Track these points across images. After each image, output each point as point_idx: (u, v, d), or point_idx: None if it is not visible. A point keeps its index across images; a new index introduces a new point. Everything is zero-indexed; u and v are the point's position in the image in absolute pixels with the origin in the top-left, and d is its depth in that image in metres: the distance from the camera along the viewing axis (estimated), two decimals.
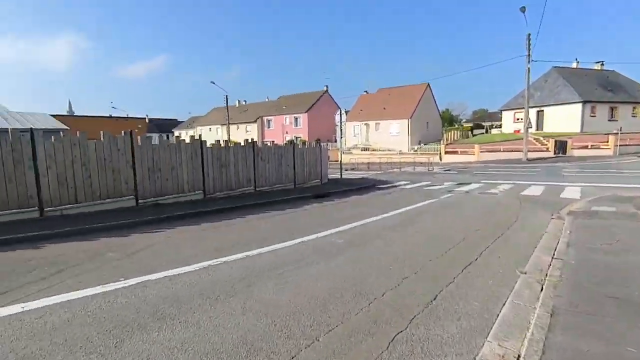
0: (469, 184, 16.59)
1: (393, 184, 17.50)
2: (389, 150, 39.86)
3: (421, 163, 27.53)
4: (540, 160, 27.67)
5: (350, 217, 8.84)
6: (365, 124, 45.79)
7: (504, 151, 30.92)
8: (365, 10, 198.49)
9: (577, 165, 23.82)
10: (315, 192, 13.61)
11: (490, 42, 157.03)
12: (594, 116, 36.52)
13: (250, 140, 12.93)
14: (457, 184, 16.57)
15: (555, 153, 29.69)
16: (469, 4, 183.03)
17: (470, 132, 48.60)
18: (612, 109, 37.75)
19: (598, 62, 43.18)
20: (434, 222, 8.33)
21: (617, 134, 29.22)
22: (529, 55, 27.30)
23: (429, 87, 45.52)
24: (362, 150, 41.77)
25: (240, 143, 12.76)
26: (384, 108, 44.97)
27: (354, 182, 18.09)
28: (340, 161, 16.04)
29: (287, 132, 51.23)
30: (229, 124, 48.51)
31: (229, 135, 44.77)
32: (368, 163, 29.96)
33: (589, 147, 30.05)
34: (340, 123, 15.66)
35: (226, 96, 46.97)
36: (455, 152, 32.80)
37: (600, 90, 38.56)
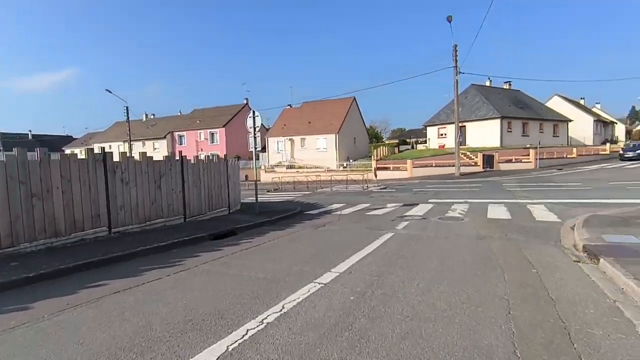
0: (417, 204, 13.48)
1: (325, 209, 13.66)
2: (316, 167, 36.56)
3: (354, 181, 24.48)
4: (472, 175, 26.55)
5: (255, 293, 4.58)
6: (290, 140, 42.16)
7: (435, 166, 29.54)
8: (289, 25, 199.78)
9: (512, 179, 22.73)
10: (215, 228, 9.07)
11: (416, 57, 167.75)
12: (511, 131, 37.78)
13: (100, 150, 7.93)
14: (404, 206, 13.34)
15: (483, 167, 29.11)
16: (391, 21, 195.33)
17: (396, 148, 47.93)
18: (524, 124, 39.63)
19: (507, 81, 45.89)
20: (420, 300, 4.41)
21: (536, 148, 29.67)
22: (456, 67, 26.35)
23: (355, 101, 43.83)
24: (287, 168, 37.85)
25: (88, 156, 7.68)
26: (310, 122, 41.96)
27: (276, 207, 13.86)
28: (256, 180, 11.75)
29: (201, 149, 45.19)
30: (130, 140, 41.01)
31: (131, 153, 37.46)
32: (294, 182, 26.08)
33: (513, 160, 30.11)
34: (254, 129, 11.44)
35: (126, 107, 39.74)
36: (387, 169, 30.62)
37: (513, 107, 40.40)
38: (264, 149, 45.39)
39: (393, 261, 5.81)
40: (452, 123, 37.52)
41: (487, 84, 43.75)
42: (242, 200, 15.02)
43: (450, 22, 24.63)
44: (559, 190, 15.83)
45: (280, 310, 3.99)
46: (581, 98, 57.60)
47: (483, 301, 4.13)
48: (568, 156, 33.27)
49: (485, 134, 37.04)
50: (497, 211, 11.16)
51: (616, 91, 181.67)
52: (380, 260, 5.94)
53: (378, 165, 30.21)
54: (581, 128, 48.89)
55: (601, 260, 5.66)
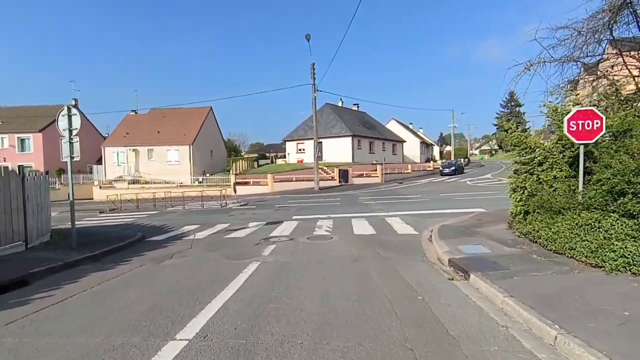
0: (281, 222, 12.50)
1: (175, 233, 11.30)
2: (166, 182, 32.24)
3: (211, 197, 22.10)
4: (331, 189, 27.59)
5: None
6: (134, 150, 36.28)
7: (296, 181, 29.66)
8: (142, 24, 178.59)
9: (365, 192, 24.38)
10: None
11: (279, 73, 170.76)
12: (360, 148, 41.57)
13: None
14: (268, 224, 12.16)
15: (339, 182, 30.75)
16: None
17: (256, 163, 46.97)
18: (370, 143, 44.31)
19: (355, 103, 50.86)
20: None
21: (382, 164, 33.17)
22: (314, 84, 27.19)
23: (212, 111, 41.06)
24: (130, 183, 32.21)
25: None
26: (159, 132, 37.08)
27: (108, 235, 10.74)
28: (71, 199, 8.65)
29: (4, 159, 34.53)
30: None
31: None
32: (137, 200, 21.94)
33: (364, 175, 32.83)
34: (69, 132, 8.41)
35: None
36: (247, 183, 29.14)
37: (362, 127, 44.78)
38: (99, 161, 37.87)
39: (264, 308, 4.42)
40: (310, 139, 38.95)
41: (340, 104, 47.53)
42: (56, 227, 11.20)
43: (308, 40, 25.37)
44: (406, 203, 17.37)
45: None
46: (410, 123, 68.92)
47: (386, 356, 3.16)
48: (405, 171, 38.56)
49: (338, 150, 39.73)
50: (362, 226, 11.09)
51: (430, 120, 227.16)
52: (246, 307, 4.46)
53: (237, 180, 28.52)
54: (411, 148, 58.13)
55: (471, 276, 5.60)
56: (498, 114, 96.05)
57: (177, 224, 13.32)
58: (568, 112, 8.30)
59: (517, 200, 8.46)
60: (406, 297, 4.81)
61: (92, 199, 30.28)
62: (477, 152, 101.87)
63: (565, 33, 8.94)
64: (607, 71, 8.99)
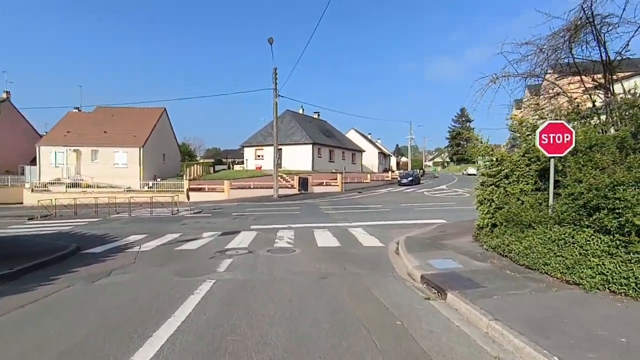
0: (238, 232, 11.62)
1: (118, 244, 10.03)
2: (112, 187, 29.72)
3: (161, 203, 20.45)
4: (290, 197, 26.85)
5: None
6: (75, 151, 33.11)
7: (254, 188, 28.55)
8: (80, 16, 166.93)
9: (326, 201, 23.93)
10: None
11: (240, 77, 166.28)
12: (320, 157, 41.30)
13: None
14: (224, 235, 11.23)
15: (299, 190, 30.10)
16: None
17: (212, 168, 45.04)
18: (330, 151, 44.22)
19: (316, 112, 50.72)
20: None
21: (342, 173, 33.04)
22: (275, 89, 26.50)
23: (166, 112, 38.76)
24: (68, 186, 29.24)
25: None
26: (106, 132, 34.22)
27: (33, 247, 9.25)
28: None
29: None
30: None
31: None
32: (76, 205, 19.77)
33: (324, 184, 32.46)
34: None
35: None
36: (202, 189, 27.54)
37: (322, 135, 44.61)
38: (34, 161, 34.21)
39: (220, 342, 3.66)
40: (270, 145, 37.98)
41: (301, 111, 47.14)
42: None
43: (271, 44, 24.67)
44: (368, 213, 17.11)
45: None
46: (369, 133, 70.14)
47: None
48: (364, 181, 38.76)
49: (299, 158, 39.14)
50: (325, 237, 10.53)
51: (388, 131, 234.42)
52: (198, 342, 3.67)
53: (191, 186, 26.88)
54: (370, 158, 59.00)
55: (448, 295, 5.22)
56: (450, 128, 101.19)
57: (121, 234, 11.94)
58: (534, 126, 8.43)
59: (485, 212, 8.34)
60: (384, 322, 4.27)
61: (22, 203, 27.05)
62: (430, 163, 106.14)
63: (529, 49, 9.10)
64: (565, 88, 9.25)
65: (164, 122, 38.75)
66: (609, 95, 8.11)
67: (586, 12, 7.49)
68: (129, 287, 5.79)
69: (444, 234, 10.34)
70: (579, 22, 7.71)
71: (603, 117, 8.33)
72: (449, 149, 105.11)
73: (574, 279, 5.11)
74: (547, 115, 8.33)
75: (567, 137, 6.26)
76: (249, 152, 43.86)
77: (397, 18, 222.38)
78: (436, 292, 5.70)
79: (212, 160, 54.51)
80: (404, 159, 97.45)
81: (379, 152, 63.21)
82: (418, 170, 52.76)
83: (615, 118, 7.88)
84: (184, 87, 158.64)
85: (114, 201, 20.02)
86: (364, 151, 55.39)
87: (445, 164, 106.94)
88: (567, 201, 5.91)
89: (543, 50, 9.03)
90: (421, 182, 42.75)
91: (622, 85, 7.81)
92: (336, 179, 33.01)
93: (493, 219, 8.09)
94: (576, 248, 5.35)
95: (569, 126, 6.34)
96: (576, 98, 9.12)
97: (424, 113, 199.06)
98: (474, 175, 64.02)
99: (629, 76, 8.66)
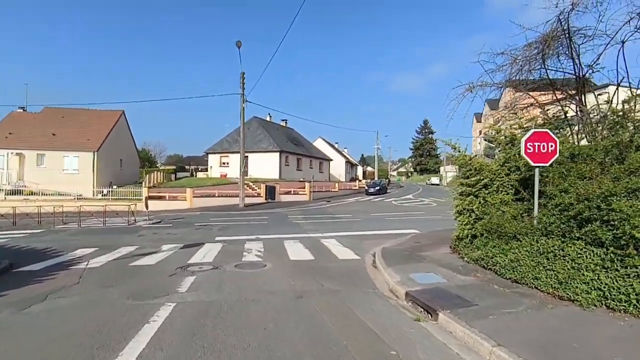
0: (202, 244, 10.70)
1: (61, 259, 8.81)
2: (61, 194, 27.24)
3: (116, 213, 18.81)
4: (257, 206, 25.88)
5: None
6: (18, 154, 30.16)
7: (219, 196, 27.25)
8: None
9: (294, 210, 23.22)
10: None
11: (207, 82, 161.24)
12: (288, 165, 40.55)
13: None
14: (185, 247, 10.28)
15: (266, 199, 29.16)
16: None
17: (173, 175, 42.90)
18: (298, 160, 43.60)
19: (283, 119, 50.04)
20: None
21: (310, 182, 32.51)
22: (243, 94, 25.64)
23: (125, 116, 36.47)
24: (8, 193, 26.43)
25: None
26: (54, 134, 31.48)
27: None
28: None
29: None
30: None
31: None
32: (15, 214, 17.71)
33: (292, 192, 31.75)
34: None
35: None
36: (162, 198, 25.85)
37: (290, 143, 43.93)
38: None
39: None
40: (235, 152, 36.81)
41: (268, 118, 46.27)
42: None
43: (239, 47, 23.87)
44: (339, 223, 16.64)
45: None
46: (336, 142, 70.38)
47: None
48: (332, 190, 38.47)
49: (265, 165, 38.16)
50: (296, 249, 9.90)
51: (353, 141, 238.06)
52: None
53: (151, 194, 25.17)
54: (337, 167, 59.00)
55: (439, 316, 4.76)
56: (414, 139, 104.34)
57: (66, 247, 10.60)
58: (512, 135, 8.36)
59: (464, 223, 8.08)
60: (375, 351, 3.73)
61: None
62: (394, 173, 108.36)
63: (505, 59, 9.11)
64: (539, 99, 9.33)
65: (122, 125, 36.46)
66: (582, 107, 8.19)
67: (562, 23, 7.52)
68: (69, 316, 4.84)
69: (419, 245, 10.03)
70: (555, 34, 7.73)
71: (576, 128, 8.43)
72: (413, 159, 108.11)
73: (567, 294, 4.83)
74: (525, 124, 8.27)
75: (551, 146, 6.12)
76: (213, 159, 42.24)
77: (363, 29, 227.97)
78: (424, 311, 5.26)
79: (174, 167, 52.08)
80: (369, 168, 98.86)
81: (346, 162, 63.46)
82: (385, 180, 53.38)
83: (588, 129, 7.96)
84: (145, 89, 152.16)
85: (61, 210, 18.14)
86: (331, 160, 55.31)
87: (409, 174, 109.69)
88: (554, 212, 5.70)
89: (517, 61, 9.07)
90: (388, 191, 43.16)
91: (595, 97, 7.90)
92: (304, 188, 32.42)
93: (473, 229, 7.84)
94: (567, 261, 5.11)
95: (554, 135, 6.20)
96: (548, 110, 9.22)
97: (388, 124, 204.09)
98: (437, 185, 66.39)
99: (602, 86, 8.83)
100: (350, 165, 68.02)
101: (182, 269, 7.51)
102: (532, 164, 6.22)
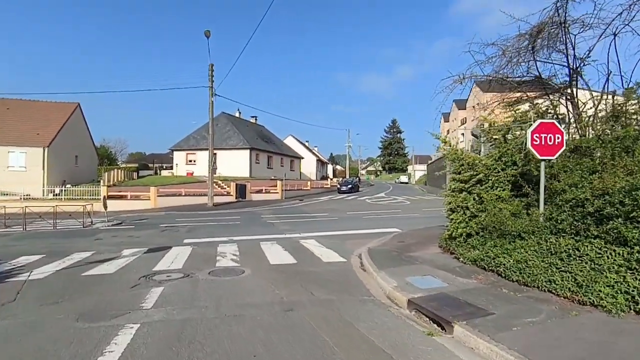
0: (169, 248, 9.63)
1: None
2: (5, 194, 24.58)
3: (70, 214, 16.99)
4: (227, 205, 24.60)
5: None
6: None
7: (186, 195, 25.67)
8: None
9: (267, 210, 22.22)
10: None
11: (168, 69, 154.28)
12: (258, 163, 39.27)
13: None
14: (150, 252, 9.18)
15: (237, 198, 27.88)
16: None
17: (135, 173, 40.36)
18: (269, 158, 42.35)
19: (253, 116, 48.62)
20: None
21: (282, 180, 31.56)
22: (212, 87, 24.25)
23: (80, 108, 33.64)
24: None
25: None
26: None
27: None
28: None
29: None
30: None
31: None
32: None
33: (263, 191, 30.65)
34: None
35: None
36: (123, 197, 23.92)
37: (260, 140, 42.62)
38: None
39: None
40: (203, 149, 35.16)
41: (237, 114, 44.66)
42: None
43: (208, 37, 22.50)
44: (315, 222, 15.92)
45: None
46: (306, 140, 69.56)
47: None
48: (304, 188, 37.63)
49: (235, 163, 36.68)
50: (276, 252, 9.07)
51: (323, 140, 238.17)
52: None
53: (110, 193, 23.22)
54: (308, 165, 58.19)
55: (456, 328, 4.15)
56: (382, 138, 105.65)
57: (6, 254, 9.15)
58: (508, 128, 7.98)
59: (458, 221, 7.60)
60: None
61: None
62: (364, 172, 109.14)
63: (494, 51, 8.75)
64: (529, 94, 9.05)
65: (78, 119, 33.67)
66: (574, 101, 7.95)
67: (559, 11, 7.20)
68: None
69: (405, 245, 9.51)
70: (552, 21, 7.40)
71: (567, 122, 8.19)
72: (382, 158, 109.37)
73: (589, 298, 4.37)
74: (520, 117, 7.92)
75: (558, 137, 5.71)
76: (179, 157, 40.13)
77: (332, 29, 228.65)
78: (431, 321, 4.65)
79: (136, 165, 49.16)
80: (338, 167, 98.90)
81: (317, 160, 62.84)
82: (356, 178, 53.29)
83: (581, 123, 7.72)
84: (105, 83, 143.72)
85: (3, 212, 16.13)
86: (302, 158, 54.46)
87: (378, 173, 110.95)
88: (565, 208, 5.27)
89: (506, 53, 8.73)
90: (360, 189, 42.96)
91: (589, 90, 7.66)
92: (276, 186, 31.40)
93: (468, 228, 7.38)
94: (586, 262, 4.66)
95: (559, 126, 5.79)
96: (537, 104, 8.96)
97: (356, 124, 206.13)
98: (407, 183, 67.25)
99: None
100: (321, 163, 67.52)
101: (146, 279, 6.48)
102: (539, 157, 5.78)
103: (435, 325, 4.53)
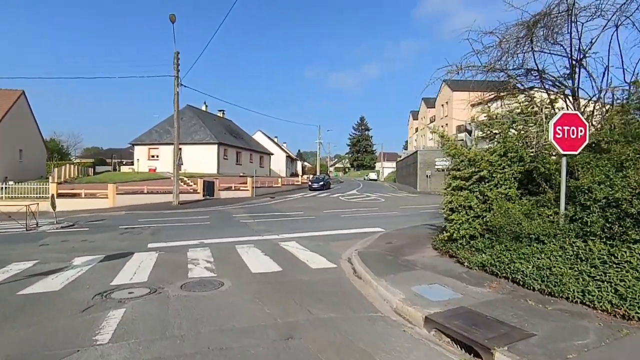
0: (130, 255, 8.37)
1: None
2: None
3: (10, 215, 14.89)
4: (194, 204, 23.00)
5: None
6: None
7: (148, 193, 23.74)
8: None
9: (238, 208, 20.92)
10: None
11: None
12: (227, 159, 37.52)
13: None
14: (107, 260, 7.89)
15: (204, 195, 26.25)
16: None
17: (91, 169, 37.27)
18: (238, 153, 40.62)
19: (221, 110, 46.54)
20: None
21: (252, 177, 30.23)
22: (177, 76, 22.51)
23: (25, 97, 30.33)
24: None
25: None
26: None
27: None
28: None
29: None
30: None
31: None
32: None
33: (233, 188, 29.18)
34: None
35: None
36: (76, 195, 21.64)
37: (229, 135, 40.79)
38: None
39: None
40: (167, 144, 33.05)
41: (204, 108, 42.49)
42: None
43: (173, 22, 20.75)
44: (292, 221, 14.97)
45: None
46: (275, 136, 68.02)
47: None
48: (275, 185, 36.41)
49: (202, 159, 34.67)
50: (255, 258, 8.09)
51: (291, 136, 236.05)
52: None
53: (61, 191, 20.97)
54: (278, 162, 56.81)
55: (497, 356, 3.39)
56: (351, 135, 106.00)
57: None
58: (513, 121, 7.47)
59: (460, 222, 6.98)
60: None
61: None
62: (332, 169, 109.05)
63: (492, 40, 8.22)
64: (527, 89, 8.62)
65: (22, 109, 30.42)
66: (576, 93, 7.56)
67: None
68: None
69: (396, 247, 8.83)
70: (559, 7, 6.92)
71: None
72: (350, 155, 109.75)
73: (638, 313, 3.82)
74: (527, 109, 7.41)
75: (581, 131, 5.17)
76: (140, 152, 37.53)
77: (301, 26, 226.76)
78: (456, 343, 3.92)
79: (92, 161, 45.59)
80: (307, 164, 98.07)
81: (286, 156, 61.60)
82: (327, 175, 52.70)
83: (584, 116, 7.33)
84: (54, 68, 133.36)
85: None
86: (272, 154, 53.05)
87: (346, 170, 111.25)
88: (594, 209, 4.72)
89: (502, 43, 8.23)
90: (331, 186, 42.37)
91: (593, 81, 7.28)
92: (246, 183, 30.04)
93: (471, 229, 6.77)
94: (627, 270, 4.12)
95: (583, 118, 5.26)
96: (535, 97, 8.56)
97: (324, 120, 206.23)
98: (376, 180, 67.55)
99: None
100: (290, 160, 66.36)
101: (102, 297, 5.29)
102: (561, 152, 5.20)
103: (463, 351, 3.81)
